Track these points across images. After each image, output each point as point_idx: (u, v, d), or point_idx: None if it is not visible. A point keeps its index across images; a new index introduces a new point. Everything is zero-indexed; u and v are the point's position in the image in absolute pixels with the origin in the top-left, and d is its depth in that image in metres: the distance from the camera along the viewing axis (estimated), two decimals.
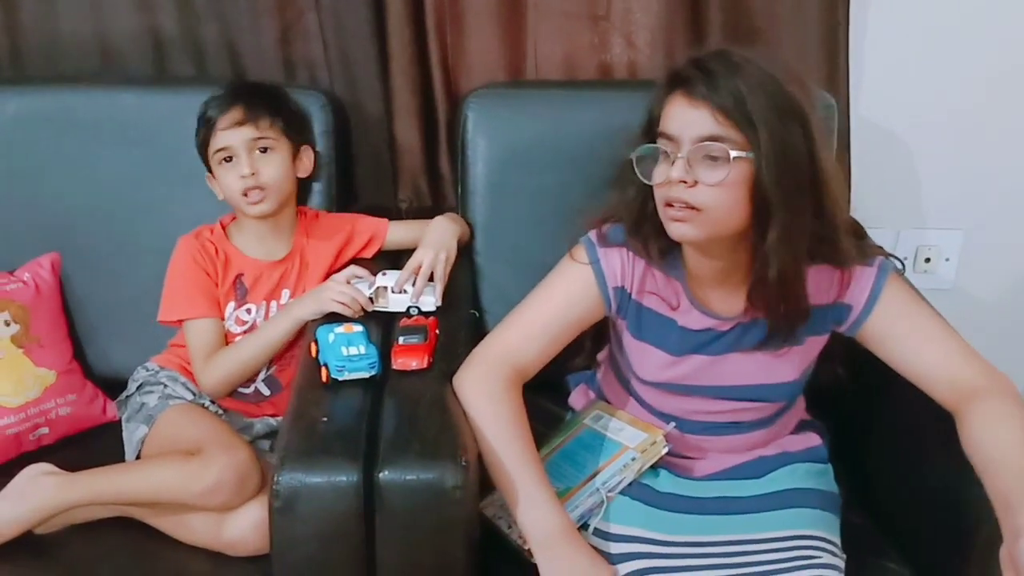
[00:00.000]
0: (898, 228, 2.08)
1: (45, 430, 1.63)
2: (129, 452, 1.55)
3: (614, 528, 1.33)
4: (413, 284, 1.53)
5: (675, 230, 1.25)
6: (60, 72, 1.82)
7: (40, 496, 1.40)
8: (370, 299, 1.51)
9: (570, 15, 1.83)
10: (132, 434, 1.55)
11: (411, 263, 1.55)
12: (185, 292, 1.59)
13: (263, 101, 1.59)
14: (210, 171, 1.60)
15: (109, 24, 1.80)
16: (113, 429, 1.64)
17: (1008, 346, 1.64)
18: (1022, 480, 1.16)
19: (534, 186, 1.73)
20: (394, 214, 1.81)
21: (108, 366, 1.76)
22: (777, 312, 1.29)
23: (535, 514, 1.26)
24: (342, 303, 1.49)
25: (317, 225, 1.69)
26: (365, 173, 1.90)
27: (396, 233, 1.72)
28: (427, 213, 1.85)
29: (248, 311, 1.62)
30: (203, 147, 1.58)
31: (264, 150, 1.57)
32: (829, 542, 1.31)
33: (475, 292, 1.75)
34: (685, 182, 1.20)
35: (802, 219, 1.21)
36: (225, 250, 1.63)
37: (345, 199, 1.81)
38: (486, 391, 1.33)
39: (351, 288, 1.52)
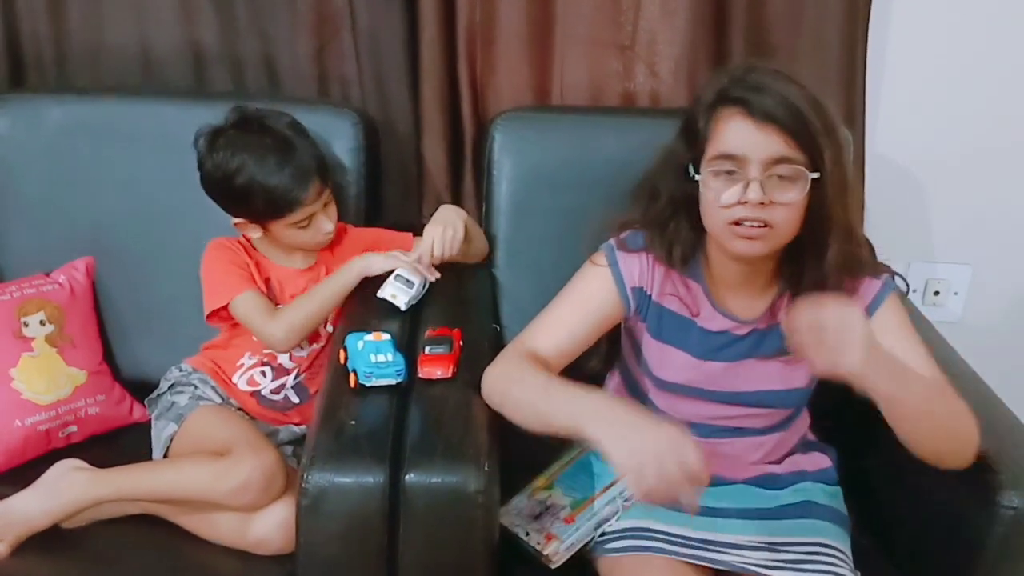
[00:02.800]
0: (908, 261, 2.12)
1: (74, 428, 1.66)
2: (157, 450, 1.58)
3: (623, 524, 1.37)
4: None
5: (744, 248, 1.26)
6: (103, 82, 1.87)
7: (71, 490, 1.44)
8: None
9: (596, 43, 1.88)
10: (161, 432, 1.58)
11: (424, 243, 1.63)
12: (224, 277, 1.62)
13: (324, 165, 1.64)
14: (261, 226, 1.62)
15: (152, 37, 1.86)
16: (140, 430, 1.68)
17: (1015, 380, 1.67)
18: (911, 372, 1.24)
19: (556, 206, 1.78)
20: (418, 230, 1.84)
21: (137, 369, 1.80)
22: None
23: (576, 404, 1.25)
24: (410, 264, 1.59)
25: (343, 238, 1.73)
26: (392, 189, 1.94)
27: None
28: None
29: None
30: (274, 214, 1.58)
31: (325, 205, 1.64)
32: (846, 555, 1.35)
33: (496, 308, 1.79)
34: (763, 203, 1.21)
35: (853, 233, 1.26)
36: (255, 258, 1.67)
37: (372, 214, 1.86)
38: (504, 370, 1.36)
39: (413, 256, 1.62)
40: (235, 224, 1.63)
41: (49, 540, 1.43)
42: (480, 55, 1.88)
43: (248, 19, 1.85)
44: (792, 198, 1.22)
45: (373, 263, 1.61)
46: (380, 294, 1.58)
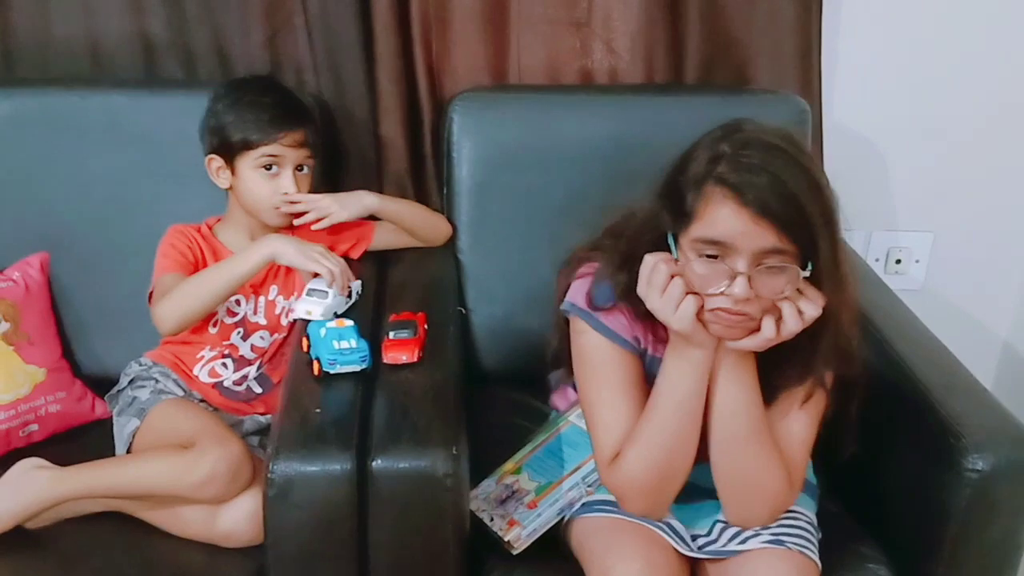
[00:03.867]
0: (870, 230, 2.13)
1: (35, 427, 1.64)
2: (120, 446, 1.56)
3: (596, 497, 1.37)
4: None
5: (723, 333, 1.21)
6: (51, 74, 1.83)
7: (33, 489, 1.41)
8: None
9: (552, 21, 1.87)
10: (123, 428, 1.56)
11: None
12: (160, 263, 1.61)
13: (316, 125, 1.65)
14: (226, 161, 1.60)
15: (100, 27, 1.81)
16: (102, 427, 1.65)
17: (977, 346, 1.70)
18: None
19: (518, 186, 1.77)
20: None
21: (97, 365, 1.78)
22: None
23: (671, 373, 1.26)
24: (328, 269, 1.51)
25: (302, 227, 1.69)
26: (351, 174, 1.92)
27: (382, 235, 1.76)
28: None
29: (237, 302, 1.65)
30: (241, 145, 1.58)
31: (300, 168, 1.62)
32: (806, 516, 1.36)
33: (461, 290, 1.79)
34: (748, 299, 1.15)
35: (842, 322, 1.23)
36: (213, 246, 1.65)
37: None
38: (636, 475, 1.29)
39: (340, 262, 1.55)
40: (208, 163, 1.62)
41: (14, 541, 1.41)
42: (435, 36, 1.86)
43: (197, 7, 1.81)
44: (778, 292, 1.16)
45: (283, 252, 1.52)
46: (294, 316, 1.54)
